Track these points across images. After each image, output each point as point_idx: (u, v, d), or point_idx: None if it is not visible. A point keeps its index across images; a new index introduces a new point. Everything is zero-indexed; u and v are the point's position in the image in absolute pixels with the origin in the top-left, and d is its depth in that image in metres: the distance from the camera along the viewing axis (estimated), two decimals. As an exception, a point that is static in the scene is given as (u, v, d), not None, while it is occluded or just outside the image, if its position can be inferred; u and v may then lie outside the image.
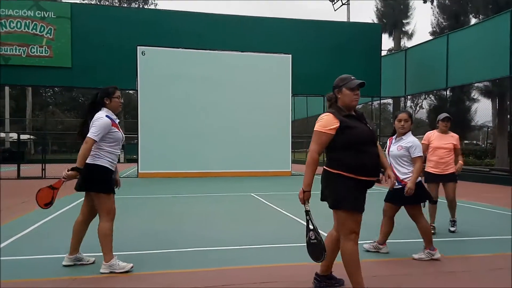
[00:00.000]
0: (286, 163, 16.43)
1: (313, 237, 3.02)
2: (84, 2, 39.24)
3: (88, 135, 3.68)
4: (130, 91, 22.57)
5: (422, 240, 4.27)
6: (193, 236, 5.32)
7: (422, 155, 4.28)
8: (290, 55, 16.35)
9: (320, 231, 3.06)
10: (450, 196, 5.57)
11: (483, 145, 26.55)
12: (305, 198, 3.00)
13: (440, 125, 5.64)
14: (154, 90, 15.29)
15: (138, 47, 15.22)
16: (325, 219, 3.88)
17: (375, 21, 28.14)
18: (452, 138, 5.59)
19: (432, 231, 5.48)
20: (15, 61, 14.65)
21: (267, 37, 16.37)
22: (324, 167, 3.12)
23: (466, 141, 23.34)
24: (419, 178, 4.24)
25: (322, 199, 3.16)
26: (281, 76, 16.34)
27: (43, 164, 15.79)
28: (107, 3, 41.34)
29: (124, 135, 4.04)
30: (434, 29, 23.39)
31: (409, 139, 4.28)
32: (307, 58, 16.57)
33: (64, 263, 3.95)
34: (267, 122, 16.06)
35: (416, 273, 3.81)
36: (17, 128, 35.48)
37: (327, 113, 3.05)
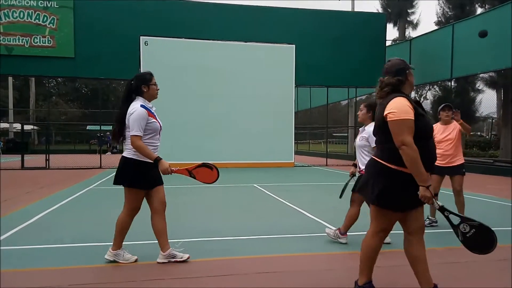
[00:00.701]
0: (289, 154, 16.40)
1: (467, 229, 2.62)
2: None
3: (131, 135, 3.49)
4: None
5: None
6: (196, 227, 5.33)
7: None
8: (294, 45, 16.22)
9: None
10: (456, 188, 5.32)
11: (487, 137, 26.40)
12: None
13: (441, 115, 5.38)
14: (157, 81, 15.15)
15: (141, 37, 15.15)
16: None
17: (380, 10, 27.89)
18: (455, 126, 5.33)
19: (436, 223, 5.45)
20: (18, 51, 14.63)
21: (270, 27, 16.24)
22: (378, 159, 2.73)
23: (470, 133, 23.26)
24: None
25: (357, 191, 2.98)
26: (285, 66, 16.23)
27: (47, 155, 15.84)
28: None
29: (161, 124, 3.78)
30: (440, 19, 23.14)
31: (369, 129, 4.25)
32: (311, 49, 16.43)
33: (158, 260, 3.77)
34: (270, 113, 16.00)
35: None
36: (21, 118, 35.64)
37: (400, 97, 2.66)
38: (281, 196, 8.13)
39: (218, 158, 15.57)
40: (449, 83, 18.04)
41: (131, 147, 3.55)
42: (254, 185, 9.95)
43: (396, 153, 2.57)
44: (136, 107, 3.55)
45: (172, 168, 3.59)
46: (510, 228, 5.27)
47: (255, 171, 14.01)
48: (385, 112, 2.64)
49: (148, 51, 15.22)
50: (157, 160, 3.53)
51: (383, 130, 2.69)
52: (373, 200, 2.72)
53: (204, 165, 3.68)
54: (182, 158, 15.23)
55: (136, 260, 3.78)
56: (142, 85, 3.69)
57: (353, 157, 19.99)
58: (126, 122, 3.58)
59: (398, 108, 2.59)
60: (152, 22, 15.37)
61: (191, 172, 3.70)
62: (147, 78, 3.72)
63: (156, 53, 15.26)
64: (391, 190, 2.63)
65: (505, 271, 3.59)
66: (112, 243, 3.79)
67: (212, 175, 3.67)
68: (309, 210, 6.49)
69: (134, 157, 3.58)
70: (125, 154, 3.66)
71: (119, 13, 15.27)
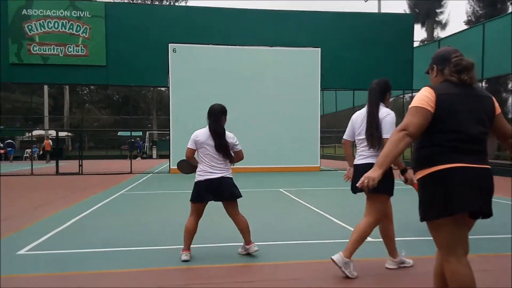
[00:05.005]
0: (315, 158, 16.34)
1: None
2: (117, 1, 40.31)
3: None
4: (162, 88, 23.04)
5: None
6: (222, 231, 5.41)
7: None
8: (319, 49, 16.19)
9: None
10: None
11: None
12: None
13: None
14: (185, 87, 15.53)
15: (169, 44, 15.49)
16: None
17: (407, 11, 27.43)
18: None
19: None
20: (53, 60, 15.25)
21: (296, 31, 16.26)
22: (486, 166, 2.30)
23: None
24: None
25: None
26: (310, 70, 16.22)
27: (80, 160, 16.39)
28: (139, 1, 42.14)
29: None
30: (469, 18, 22.56)
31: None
32: (337, 52, 16.34)
33: (387, 265, 3.79)
34: (295, 116, 16.00)
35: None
36: (56, 125, 36.94)
37: None
38: (307, 201, 8.14)
39: (243, 163, 15.62)
40: (480, 84, 17.55)
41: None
42: (280, 189, 9.99)
43: None
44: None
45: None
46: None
47: (280, 176, 14.03)
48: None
49: (176, 58, 15.55)
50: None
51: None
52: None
53: None
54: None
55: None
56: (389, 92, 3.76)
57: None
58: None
59: None
60: (180, 30, 15.70)
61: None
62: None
63: (184, 60, 15.56)
64: None
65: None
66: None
67: None
68: (336, 216, 6.47)
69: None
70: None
71: (148, 21, 15.69)
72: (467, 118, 2.23)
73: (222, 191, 4.09)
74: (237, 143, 4.27)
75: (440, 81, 2.41)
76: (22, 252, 4.46)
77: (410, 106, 2.34)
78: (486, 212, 2.28)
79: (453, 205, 2.19)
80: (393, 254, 3.79)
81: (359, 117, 3.78)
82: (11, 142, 27.88)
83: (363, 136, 3.65)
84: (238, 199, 4.28)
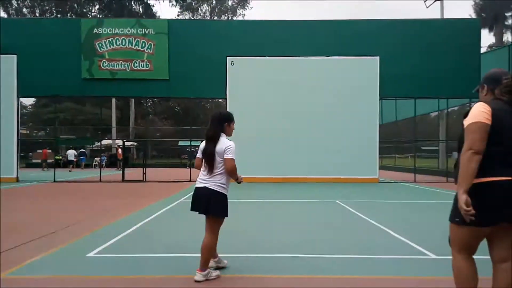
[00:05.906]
0: (373, 169, 15.89)
1: None
2: (179, 17, 42.23)
3: (230, 157, 3.78)
4: (220, 100, 23.68)
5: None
6: (279, 242, 5.45)
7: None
8: (378, 57, 15.85)
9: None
10: None
11: None
12: None
13: None
14: (242, 98, 15.86)
15: (227, 57, 15.96)
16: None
17: (473, 15, 26.07)
18: None
19: None
20: (121, 75, 16.29)
21: (353, 40, 16.06)
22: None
23: None
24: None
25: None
26: (369, 79, 15.92)
27: (144, 169, 17.22)
28: (199, 16, 43.82)
29: None
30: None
31: None
32: (397, 59, 15.89)
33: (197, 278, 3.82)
34: (353, 126, 15.74)
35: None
36: (122, 135, 39.08)
37: None
38: (365, 213, 7.94)
39: (300, 173, 15.67)
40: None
41: (217, 179, 3.80)
42: (337, 201, 9.83)
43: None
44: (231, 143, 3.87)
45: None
46: None
47: (337, 187, 13.81)
48: None
49: (233, 70, 15.97)
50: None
51: None
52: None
53: None
54: (263, 172, 15.56)
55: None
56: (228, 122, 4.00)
57: (445, 173, 18.52)
58: (218, 153, 3.80)
59: None
60: (238, 43, 16.12)
61: None
62: (232, 117, 4.06)
63: (241, 72, 15.95)
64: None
65: None
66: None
67: None
68: (395, 229, 6.27)
69: (224, 192, 3.86)
70: (216, 188, 3.80)
71: (208, 36, 16.27)
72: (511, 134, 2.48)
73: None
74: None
75: (489, 99, 2.61)
76: (91, 254, 4.79)
77: (467, 123, 2.49)
78: None
79: (501, 215, 2.44)
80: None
81: None
82: (83, 151, 29.86)
83: None
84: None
